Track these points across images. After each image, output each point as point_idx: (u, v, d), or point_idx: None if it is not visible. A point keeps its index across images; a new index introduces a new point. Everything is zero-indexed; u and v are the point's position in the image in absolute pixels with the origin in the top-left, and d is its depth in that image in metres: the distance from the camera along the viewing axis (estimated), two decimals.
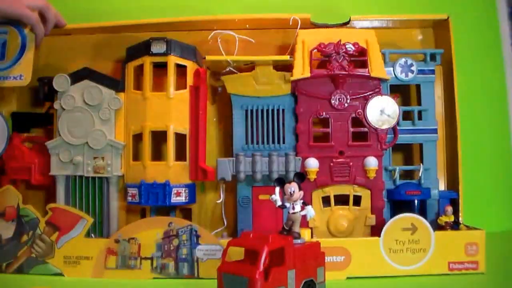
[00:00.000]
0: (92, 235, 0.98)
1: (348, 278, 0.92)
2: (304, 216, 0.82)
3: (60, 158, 0.97)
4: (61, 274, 0.94)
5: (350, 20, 1.07)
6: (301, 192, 0.80)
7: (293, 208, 0.80)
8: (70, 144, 0.97)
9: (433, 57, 1.05)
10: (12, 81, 0.96)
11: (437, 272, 0.92)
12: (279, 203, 0.81)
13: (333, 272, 0.90)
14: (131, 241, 0.92)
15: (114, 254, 0.92)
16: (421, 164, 1.03)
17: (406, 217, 0.93)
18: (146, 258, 0.92)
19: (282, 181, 0.81)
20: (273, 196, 0.81)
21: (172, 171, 0.97)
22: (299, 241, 0.78)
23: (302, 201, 0.81)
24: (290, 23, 1.05)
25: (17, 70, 0.95)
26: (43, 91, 1.01)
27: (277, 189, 0.81)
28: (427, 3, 1.28)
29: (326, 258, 0.83)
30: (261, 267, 0.69)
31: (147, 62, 0.98)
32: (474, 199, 1.25)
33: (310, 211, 0.81)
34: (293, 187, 0.80)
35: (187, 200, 0.96)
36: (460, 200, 1.03)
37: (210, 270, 0.88)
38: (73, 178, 0.99)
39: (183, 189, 0.96)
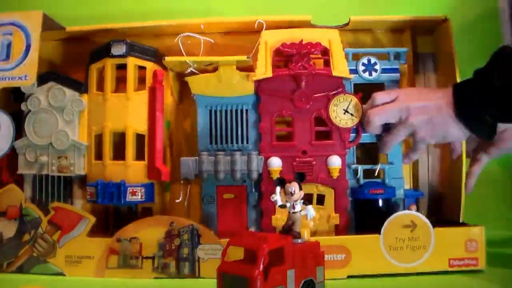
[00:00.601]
0: None
1: (349, 277, 0.92)
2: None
3: (26, 158, 1.00)
4: (62, 274, 0.95)
5: (349, 21, 1.07)
6: (302, 192, 0.80)
7: (294, 207, 0.80)
8: (36, 144, 1.00)
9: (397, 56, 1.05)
10: (17, 81, 0.99)
11: (437, 269, 0.92)
12: (279, 203, 0.80)
13: (334, 270, 0.90)
14: (132, 241, 0.93)
15: (116, 254, 0.93)
16: (379, 164, 1.03)
17: (406, 214, 0.94)
18: (147, 258, 0.93)
19: (282, 181, 0.81)
20: (273, 195, 0.81)
21: (131, 171, 0.99)
22: (298, 240, 0.78)
23: (302, 201, 0.81)
24: (255, 27, 1.06)
25: (22, 71, 0.98)
26: (14, 92, 1.03)
27: (278, 188, 0.80)
28: (427, 3, 1.29)
29: (326, 256, 0.83)
30: (261, 267, 0.69)
31: (108, 64, 1.00)
32: (474, 199, 1.24)
33: (310, 211, 0.81)
34: (293, 186, 0.79)
35: (143, 199, 0.98)
36: (461, 200, 1.02)
37: (211, 270, 0.88)
38: (40, 177, 1.02)
39: (139, 188, 0.97)
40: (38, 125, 1.00)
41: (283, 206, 0.81)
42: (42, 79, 1.01)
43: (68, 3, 1.31)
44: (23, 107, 1.01)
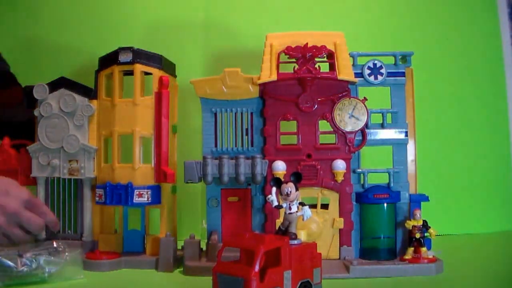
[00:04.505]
0: (69, 231, 1.04)
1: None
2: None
3: (39, 161, 1.04)
4: None
5: None
6: (298, 193, 0.80)
7: (290, 208, 0.80)
8: (48, 148, 1.04)
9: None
10: None
11: None
12: (275, 203, 0.81)
13: None
14: None
15: None
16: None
17: None
18: None
19: (279, 181, 0.81)
20: (269, 196, 0.81)
21: (138, 173, 1.01)
22: (295, 241, 0.78)
23: (298, 201, 0.80)
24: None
25: None
26: (26, 98, 1.07)
27: (274, 189, 0.81)
28: (429, 5, 1.29)
29: None
30: (257, 268, 0.69)
31: (116, 70, 1.03)
32: (474, 200, 1.22)
33: (306, 211, 0.81)
34: (289, 187, 0.79)
35: (149, 201, 1.00)
36: None
37: None
38: (52, 180, 1.06)
39: (146, 190, 0.99)
40: (50, 130, 1.03)
41: (279, 207, 0.81)
42: (53, 86, 1.05)
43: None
44: (36, 112, 1.05)
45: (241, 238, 0.75)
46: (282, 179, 0.96)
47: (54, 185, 1.06)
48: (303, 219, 0.82)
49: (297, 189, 0.79)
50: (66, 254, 0.89)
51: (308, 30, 1.05)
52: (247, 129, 1.04)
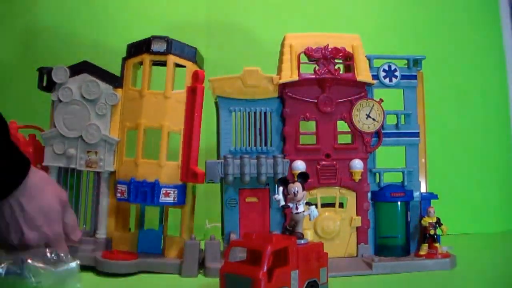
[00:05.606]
0: (84, 226, 0.99)
1: None
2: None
3: (54, 150, 0.97)
4: None
5: None
6: (305, 192, 0.81)
7: (297, 208, 0.80)
8: (65, 136, 0.97)
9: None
10: None
11: None
12: (282, 203, 0.81)
13: None
14: None
15: None
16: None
17: None
18: None
19: (285, 181, 0.81)
20: (276, 196, 0.81)
21: (164, 171, 0.96)
22: (302, 241, 0.78)
23: (305, 201, 0.81)
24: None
25: None
26: (41, 81, 1.00)
27: (281, 189, 0.81)
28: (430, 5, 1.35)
29: None
30: (265, 268, 0.69)
31: (147, 60, 0.98)
32: (474, 200, 1.26)
33: (313, 211, 0.81)
34: (296, 187, 0.80)
35: (175, 201, 0.95)
36: None
37: None
38: (65, 170, 0.99)
39: (173, 189, 0.95)
40: (68, 116, 0.97)
41: (286, 207, 0.81)
42: (75, 70, 0.99)
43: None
44: (53, 97, 0.98)
45: (248, 238, 0.76)
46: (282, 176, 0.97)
47: (68, 176, 0.99)
48: (309, 219, 0.83)
49: (303, 189, 0.81)
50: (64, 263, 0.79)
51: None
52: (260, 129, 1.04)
